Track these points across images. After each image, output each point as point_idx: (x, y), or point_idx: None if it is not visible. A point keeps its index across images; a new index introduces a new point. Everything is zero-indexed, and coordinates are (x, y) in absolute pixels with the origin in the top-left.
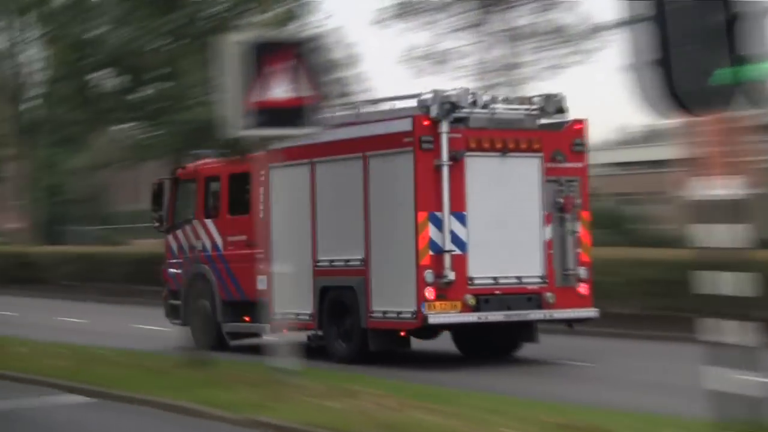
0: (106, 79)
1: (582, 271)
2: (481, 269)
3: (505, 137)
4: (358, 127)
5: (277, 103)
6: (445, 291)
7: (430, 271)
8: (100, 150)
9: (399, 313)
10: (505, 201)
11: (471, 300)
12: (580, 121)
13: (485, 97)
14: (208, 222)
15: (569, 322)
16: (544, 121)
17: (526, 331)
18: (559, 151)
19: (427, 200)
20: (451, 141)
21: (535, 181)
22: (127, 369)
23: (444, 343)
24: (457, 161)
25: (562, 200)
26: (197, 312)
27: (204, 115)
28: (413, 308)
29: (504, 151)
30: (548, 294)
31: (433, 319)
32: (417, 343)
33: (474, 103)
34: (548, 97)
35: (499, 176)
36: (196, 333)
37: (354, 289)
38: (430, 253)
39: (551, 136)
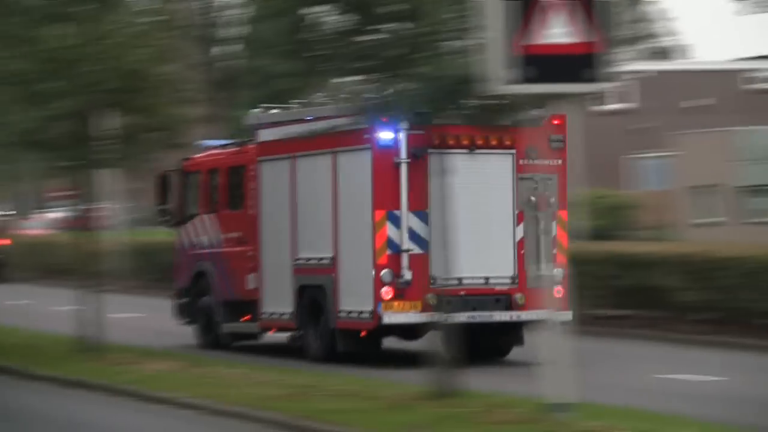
0: (326, 17)
1: (557, 273)
2: (445, 269)
3: (474, 133)
4: (330, 120)
5: (555, 48)
6: (403, 291)
7: (388, 270)
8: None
9: (360, 312)
10: (474, 199)
11: (432, 300)
12: (558, 117)
13: None
14: (209, 217)
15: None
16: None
17: (513, 333)
18: (533, 148)
19: (384, 198)
20: (411, 138)
21: (508, 178)
22: (353, 401)
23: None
24: (417, 159)
25: (535, 199)
26: (200, 311)
27: (455, 67)
28: (371, 308)
29: (472, 147)
30: (518, 295)
31: (389, 318)
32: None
33: None
34: None
35: (467, 174)
36: (199, 332)
37: (324, 288)
38: (388, 252)
39: (526, 132)
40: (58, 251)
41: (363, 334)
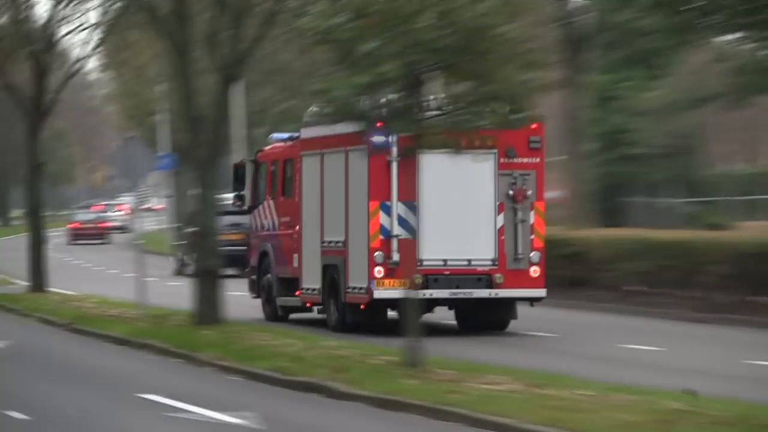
0: None
1: (534, 256)
2: (431, 252)
3: (459, 136)
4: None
5: None
6: (393, 270)
7: (380, 252)
8: (691, 75)
9: (360, 289)
10: (459, 193)
11: (418, 279)
12: (537, 121)
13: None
14: (272, 203)
15: (529, 301)
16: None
17: (507, 309)
18: (512, 149)
19: (378, 191)
20: (401, 140)
21: (490, 175)
22: None
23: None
24: (408, 158)
25: (512, 192)
26: (263, 287)
27: None
28: (366, 285)
29: (457, 148)
30: (497, 275)
31: (379, 294)
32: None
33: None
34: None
35: (452, 171)
36: (263, 306)
37: (338, 268)
38: (381, 237)
39: (506, 135)
40: None
41: (362, 307)
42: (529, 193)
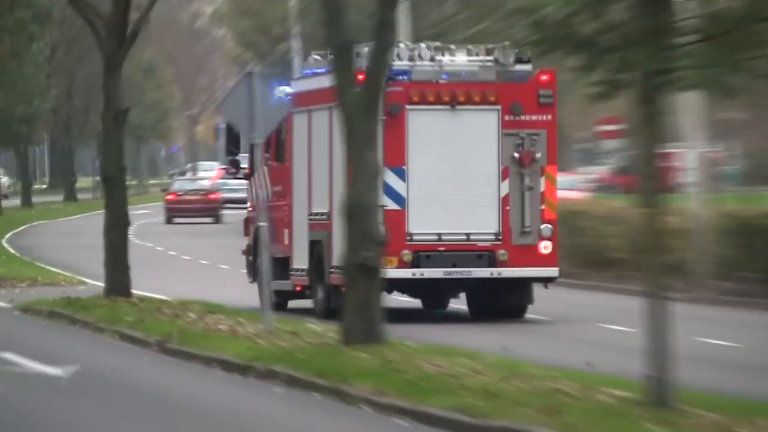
0: None
1: (545, 229)
2: (423, 225)
3: (455, 90)
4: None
5: None
6: None
7: None
8: None
9: (339, 268)
10: (456, 155)
11: (407, 256)
12: (547, 72)
13: (431, 50)
14: (265, 169)
15: (541, 282)
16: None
17: (519, 291)
18: (518, 104)
19: None
20: (388, 95)
21: (492, 135)
22: None
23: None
24: (393, 116)
25: (518, 155)
26: (257, 269)
27: None
28: None
29: (453, 104)
30: (501, 252)
31: None
32: None
33: (419, 56)
34: (504, 48)
35: (448, 130)
36: (260, 292)
37: (323, 244)
38: None
39: (512, 88)
40: (594, 225)
41: (343, 289)
42: (539, 155)
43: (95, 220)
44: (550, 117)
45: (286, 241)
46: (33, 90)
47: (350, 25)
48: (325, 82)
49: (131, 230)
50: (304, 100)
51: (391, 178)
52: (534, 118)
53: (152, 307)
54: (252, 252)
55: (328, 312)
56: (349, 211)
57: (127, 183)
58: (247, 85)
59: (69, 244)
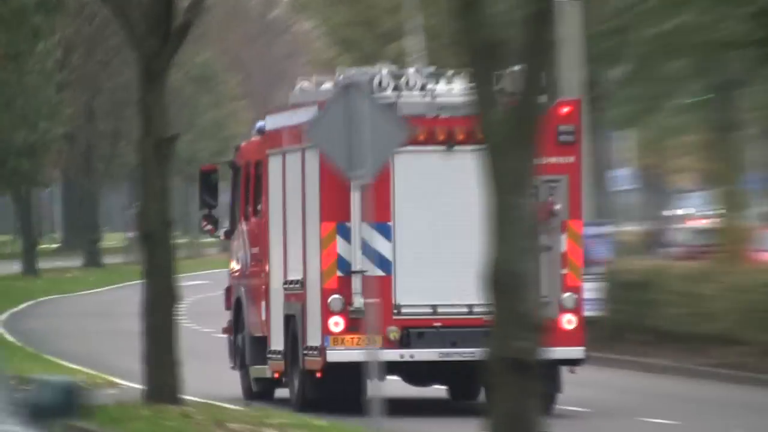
0: None
1: (567, 299)
2: (414, 295)
3: (452, 126)
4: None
5: None
6: (357, 322)
7: (338, 296)
8: None
9: (314, 349)
10: (453, 208)
11: (394, 333)
12: (568, 103)
13: (421, 76)
14: (244, 226)
15: (565, 365)
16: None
17: (545, 378)
18: None
19: (333, 207)
20: None
21: None
22: None
23: None
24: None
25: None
26: (238, 349)
27: None
28: (320, 343)
29: (449, 143)
30: None
31: (334, 356)
32: None
33: (406, 84)
34: (512, 74)
35: (443, 177)
36: (241, 378)
37: (296, 319)
38: (338, 273)
39: None
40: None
41: (318, 375)
42: (558, 207)
43: (128, 294)
44: (572, 159)
45: (263, 316)
46: (38, 108)
47: (494, 16)
48: (300, 116)
49: (181, 309)
50: (279, 140)
51: (373, 237)
52: (552, 160)
53: (211, 420)
54: (234, 329)
55: (304, 404)
56: (495, 281)
57: (176, 241)
58: (346, 101)
59: (92, 328)
